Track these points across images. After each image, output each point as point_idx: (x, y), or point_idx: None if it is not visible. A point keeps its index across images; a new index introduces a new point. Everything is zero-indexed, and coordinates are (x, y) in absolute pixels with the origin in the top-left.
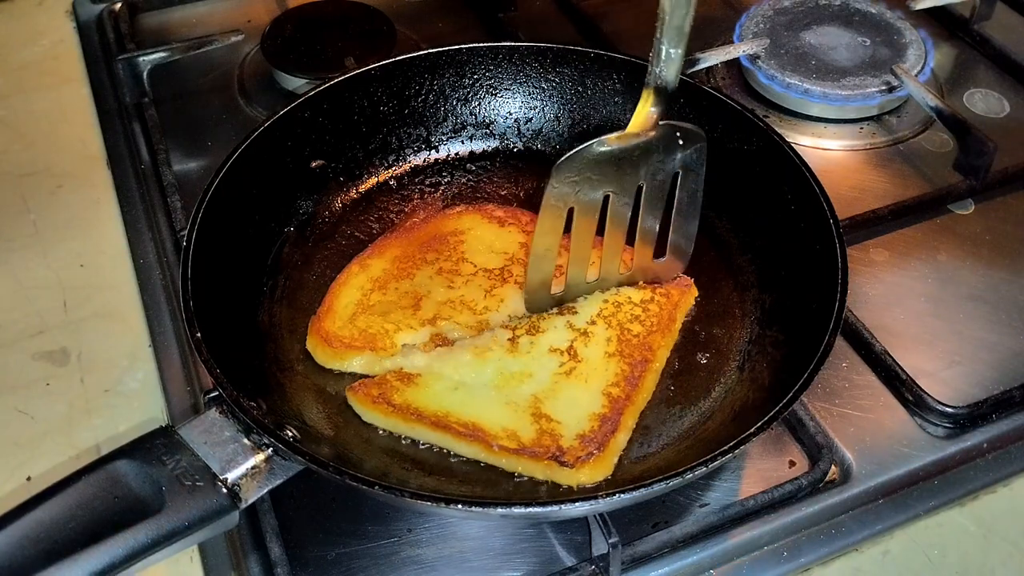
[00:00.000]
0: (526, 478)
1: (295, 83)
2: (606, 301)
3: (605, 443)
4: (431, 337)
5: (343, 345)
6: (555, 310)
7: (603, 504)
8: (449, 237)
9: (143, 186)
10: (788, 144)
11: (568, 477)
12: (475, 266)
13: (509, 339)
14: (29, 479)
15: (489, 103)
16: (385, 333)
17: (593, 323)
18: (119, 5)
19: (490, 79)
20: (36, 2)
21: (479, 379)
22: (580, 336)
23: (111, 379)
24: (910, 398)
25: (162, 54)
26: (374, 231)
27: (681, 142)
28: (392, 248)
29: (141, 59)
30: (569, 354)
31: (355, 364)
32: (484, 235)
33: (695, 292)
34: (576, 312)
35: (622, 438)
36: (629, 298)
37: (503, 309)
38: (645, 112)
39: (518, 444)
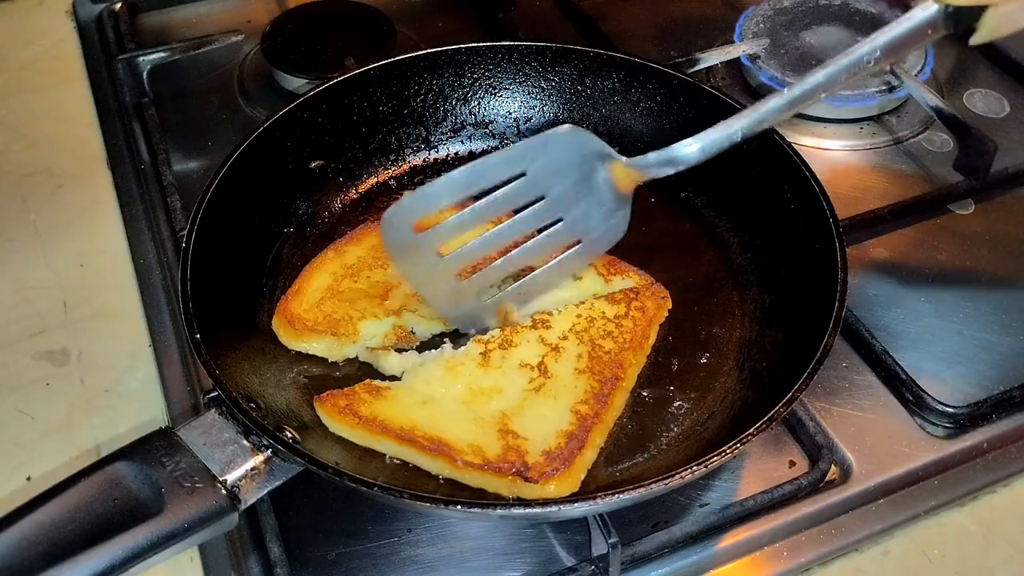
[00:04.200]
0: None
1: (295, 83)
2: (579, 316)
3: (571, 460)
4: (393, 328)
5: (305, 328)
6: (529, 323)
7: (603, 504)
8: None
9: (143, 186)
10: (788, 144)
11: (532, 493)
12: None
13: (481, 353)
14: (29, 479)
15: (488, 103)
16: (349, 320)
17: (565, 338)
18: (119, 5)
19: (489, 79)
20: (36, 2)
21: (448, 394)
22: (551, 351)
23: (111, 379)
24: (910, 398)
25: (162, 54)
26: None
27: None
28: (371, 236)
29: (141, 59)
30: (539, 370)
31: (315, 347)
32: None
33: (669, 304)
34: (550, 327)
35: (589, 455)
36: (603, 313)
37: None
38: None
39: (482, 459)
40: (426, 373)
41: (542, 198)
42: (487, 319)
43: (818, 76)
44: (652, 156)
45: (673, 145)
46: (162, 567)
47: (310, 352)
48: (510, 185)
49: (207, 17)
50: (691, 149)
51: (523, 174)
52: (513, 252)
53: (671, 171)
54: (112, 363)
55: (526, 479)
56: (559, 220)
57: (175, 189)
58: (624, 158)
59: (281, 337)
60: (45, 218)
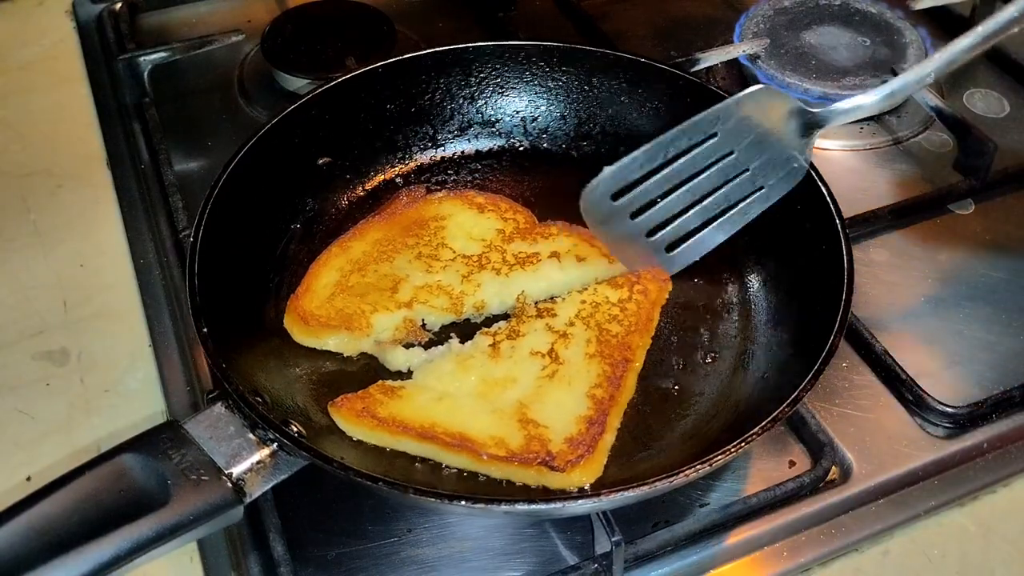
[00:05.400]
0: (517, 485)
1: (295, 83)
2: (583, 302)
3: (594, 445)
4: (404, 320)
5: (319, 324)
6: (534, 312)
7: (606, 502)
8: (430, 222)
9: (143, 186)
10: None
11: (559, 481)
12: (454, 251)
13: (490, 345)
14: (29, 479)
15: (495, 102)
16: (361, 314)
17: (572, 324)
18: (119, 5)
19: (496, 78)
20: (36, 2)
21: (463, 388)
22: (560, 338)
23: (111, 379)
24: (910, 398)
25: (162, 54)
26: None
27: (795, 165)
28: (374, 231)
29: (141, 59)
30: (550, 357)
31: (331, 343)
32: (464, 221)
33: (670, 286)
34: (555, 314)
35: (609, 438)
36: (607, 297)
37: (479, 294)
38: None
39: (507, 451)
40: (437, 369)
41: (730, 153)
42: (669, 269)
43: (1011, 9)
44: (838, 106)
45: (856, 95)
46: (162, 566)
47: (325, 348)
48: (702, 147)
49: (207, 17)
50: (874, 98)
51: (714, 135)
52: (701, 205)
53: (855, 117)
54: (112, 363)
55: (552, 468)
56: (744, 171)
57: (175, 189)
58: (811, 109)
59: (295, 336)
60: (45, 218)
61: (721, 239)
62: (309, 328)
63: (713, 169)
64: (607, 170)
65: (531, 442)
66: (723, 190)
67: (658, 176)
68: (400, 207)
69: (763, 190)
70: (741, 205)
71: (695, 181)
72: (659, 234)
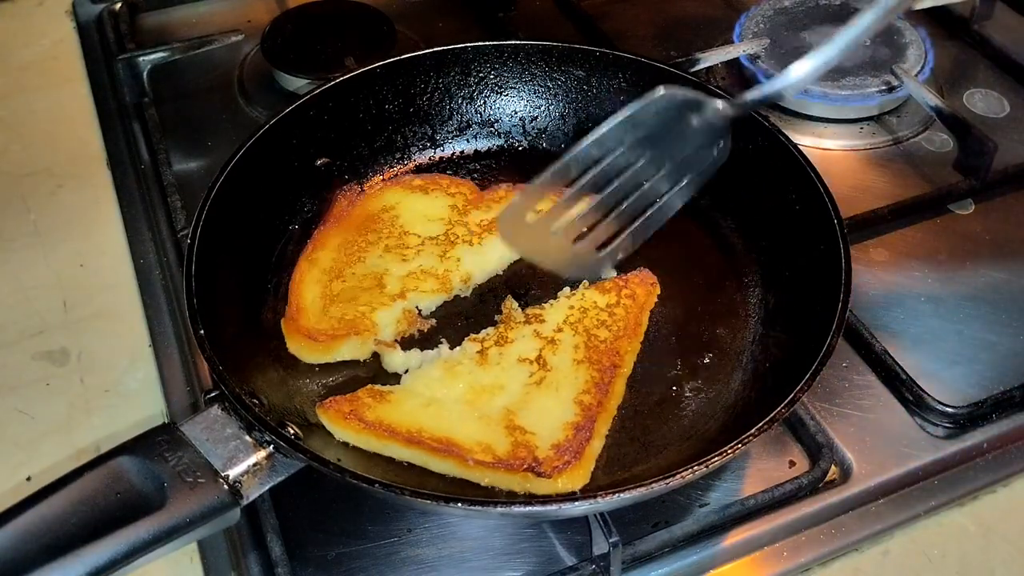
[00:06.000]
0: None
1: (295, 83)
2: (572, 307)
3: (581, 451)
4: (404, 312)
5: (327, 336)
6: (522, 319)
7: (604, 503)
8: (381, 215)
9: (143, 186)
10: (794, 144)
11: (546, 487)
12: (419, 236)
13: (478, 351)
14: (29, 479)
15: (494, 102)
16: (362, 316)
17: (560, 330)
18: (119, 5)
19: (495, 78)
20: (36, 2)
21: (451, 394)
22: (548, 344)
23: (111, 379)
24: (910, 398)
25: (162, 54)
26: None
27: (719, 146)
28: (332, 237)
29: (141, 59)
30: (538, 363)
31: (344, 352)
32: (414, 205)
33: (658, 289)
34: (543, 320)
35: (596, 445)
36: (595, 303)
37: (461, 268)
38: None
39: (493, 457)
40: (426, 375)
41: (640, 159)
42: (604, 270)
43: None
44: (751, 95)
45: (772, 79)
46: (162, 565)
47: (338, 359)
48: (608, 161)
49: (207, 17)
50: (797, 74)
51: (619, 148)
52: (622, 207)
53: (762, 103)
54: (112, 363)
55: (538, 474)
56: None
57: (175, 189)
58: (720, 102)
59: (304, 356)
60: (45, 218)
61: (649, 234)
62: (318, 344)
63: (625, 176)
64: (516, 198)
65: (518, 448)
66: (643, 190)
67: (568, 195)
68: (344, 208)
69: (685, 183)
70: (664, 201)
71: (608, 192)
72: (585, 240)
